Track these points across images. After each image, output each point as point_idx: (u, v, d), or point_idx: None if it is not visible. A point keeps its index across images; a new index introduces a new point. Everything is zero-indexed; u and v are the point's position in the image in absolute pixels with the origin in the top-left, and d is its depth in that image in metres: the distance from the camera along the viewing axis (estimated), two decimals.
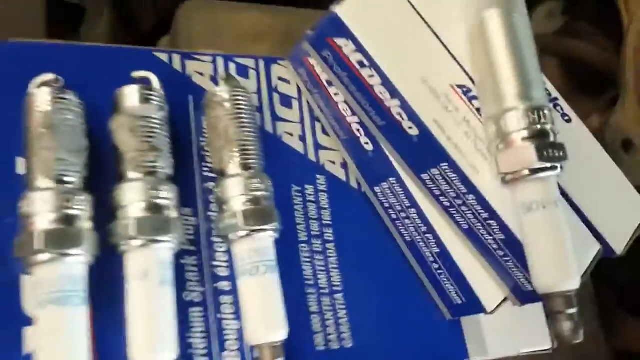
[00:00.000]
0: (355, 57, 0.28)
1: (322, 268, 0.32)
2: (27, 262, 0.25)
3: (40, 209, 0.25)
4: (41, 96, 0.27)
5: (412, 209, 0.31)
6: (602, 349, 0.61)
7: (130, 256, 0.26)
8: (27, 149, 0.26)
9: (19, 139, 0.27)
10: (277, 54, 0.36)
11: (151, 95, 0.28)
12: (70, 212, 0.25)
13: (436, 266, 0.32)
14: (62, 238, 0.25)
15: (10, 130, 0.28)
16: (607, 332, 0.64)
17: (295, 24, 0.40)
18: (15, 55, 0.29)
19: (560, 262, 0.26)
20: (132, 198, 0.27)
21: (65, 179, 0.26)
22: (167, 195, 0.27)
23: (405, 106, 0.28)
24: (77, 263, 0.25)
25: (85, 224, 0.26)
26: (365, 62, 0.28)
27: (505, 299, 0.30)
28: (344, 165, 0.34)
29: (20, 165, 0.27)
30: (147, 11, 0.50)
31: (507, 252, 0.29)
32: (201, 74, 0.32)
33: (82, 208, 0.26)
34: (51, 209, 0.25)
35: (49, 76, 0.27)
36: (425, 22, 0.29)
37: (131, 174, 0.27)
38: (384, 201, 0.33)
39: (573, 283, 0.26)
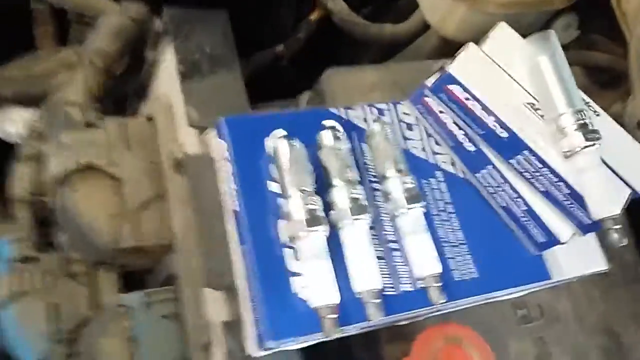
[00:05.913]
0: (462, 95, 0.46)
1: (450, 230, 0.50)
2: (293, 238, 0.43)
3: (296, 207, 0.43)
4: (282, 144, 0.45)
5: (505, 184, 0.49)
6: None
7: (347, 229, 0.44)
8: (281, 175, 0.45)
9: (264, 172, 0.46)
10: (386, 98, 0.54)
11: (339, 135, 0.47)
12: (311, 207, 0.43)
13: (525, 219, 0.49)
14: (311, 222, 0.43)
15: (258, 168, 0.46)
16: None
17: (396, 76, 0.59)
18: (254, 122, 0.48)
19: (608, 198, 0.43)
20: (341, 196, 0.45)
21: (306, 189, 0.44)
22: (360, 192, 0.45)
23: (497, 120, 0.46)
24: (322, 234, 0.43)
25: (320, 213, 0.44)
26: (470, 97, 0.46)
27: (574, 233, 0.47)
28: (453, 163, 0.52)
29: (271, 186, 0.46)
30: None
31: (572, 201, 0.46)
32: (357, 117, 0.51)
33: (317, 204, 0.44)
34: (302, 206, 0.43)
35: (281, 131, 0.46)
36: (502, 69, 0.47)
37: (336, 182, 0.45)
38: (483, 182, 0.50)
39: (617, 209, 0.43)
